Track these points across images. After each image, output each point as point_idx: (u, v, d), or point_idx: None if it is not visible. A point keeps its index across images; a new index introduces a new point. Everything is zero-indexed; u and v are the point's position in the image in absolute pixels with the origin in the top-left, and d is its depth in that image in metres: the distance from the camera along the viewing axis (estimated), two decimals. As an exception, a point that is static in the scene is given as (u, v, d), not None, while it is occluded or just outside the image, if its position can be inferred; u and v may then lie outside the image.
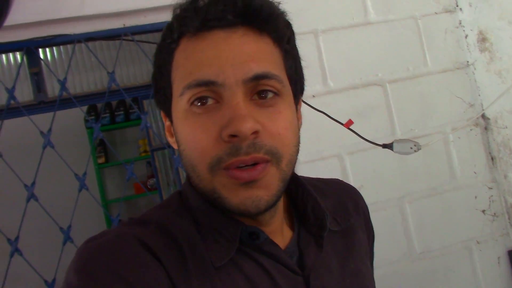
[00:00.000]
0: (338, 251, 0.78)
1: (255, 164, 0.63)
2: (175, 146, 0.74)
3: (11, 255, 1.51)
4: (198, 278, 0.64)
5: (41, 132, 1.57)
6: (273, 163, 0.64)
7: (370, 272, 0.85)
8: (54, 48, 1.72)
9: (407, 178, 1.73)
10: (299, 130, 0.72)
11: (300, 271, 0.71)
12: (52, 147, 1.55)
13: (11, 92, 1.54)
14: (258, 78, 0.64)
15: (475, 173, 1.78)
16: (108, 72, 1.61)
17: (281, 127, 0.66)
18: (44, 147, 1.55)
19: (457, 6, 1.82)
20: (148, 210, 0.74)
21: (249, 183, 0.63)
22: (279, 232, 0.74)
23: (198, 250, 0.66)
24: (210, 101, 0.65)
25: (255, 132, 0.63)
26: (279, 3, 0.70)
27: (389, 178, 1.71)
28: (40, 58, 1.63)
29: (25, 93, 1.66)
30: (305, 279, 0.71)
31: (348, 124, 1.47)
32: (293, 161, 0.69)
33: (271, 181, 0.65)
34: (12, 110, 1.57)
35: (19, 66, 1.58)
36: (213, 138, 0.63)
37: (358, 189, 1.66)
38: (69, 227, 1.57)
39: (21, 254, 1.52)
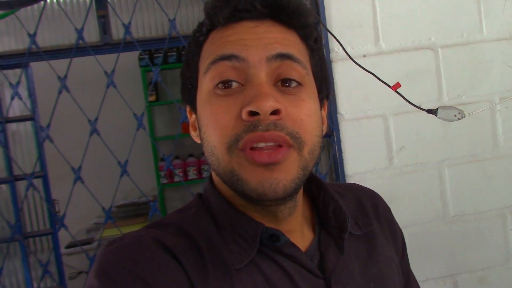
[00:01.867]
0: (359, 255, 0.77)
1: (277, 146, 0.62)
2: (197, 140, 0.74)
3: (74, 182, 1.67)
4: (217, 279, 0.64)
5: (105, 72, 1.68)
6: (295, 148, 0.63)
7: (396, 277, 0.81)
8: (121, -8, 1.81)
9: (449, 143, 1.77)
10: (322, 129, 0.71)
11: (321, 274, 0.70)
12: (115, 87, 1.67)
13: (80, 32, 1.66)
14: (282, 57, 0.65)
15: (518, 144, 1.80)
16: (169, 20, 1.69)
17: (304, 113, 0.65)
18: (108, 86, 1.67)
19: (521, -27, 1.79)
20: (168, 214, 0.74)
21: (268, 165, 0.62)
22: (299, 232, 0.74)
23: (217, 251, 0.66)
24: (234, 85, 0.65)
25: (277, 113, 0.62)
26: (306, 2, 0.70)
27: (431, 141, 1.75)
28: (107, 1, 1.72)
29: (92, 34, 1.76)
30: (326, 282, 0.70)
31: (395, 87, 1.50)
32: (316, 152, 0.67)
33: (291, 166, 0.63)
34: (80, 49, 1.68)
35: (88, 9, 1.68)
36: (233, 117, 0.63)
37: (399, 150, 1.72)
38: (126, 161, 1.71)
39: (82, 182, 1.67)
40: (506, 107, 1.79)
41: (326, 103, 0.78)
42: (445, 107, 1.45)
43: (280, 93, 0.64)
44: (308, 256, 0.72)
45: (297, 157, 0.64)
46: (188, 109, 0.77)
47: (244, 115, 0.61)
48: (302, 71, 0.66)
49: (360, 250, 0.78)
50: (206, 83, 0.67)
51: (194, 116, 0.75)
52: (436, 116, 1.46)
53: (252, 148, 0.62)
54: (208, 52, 0.69)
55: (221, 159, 0.64)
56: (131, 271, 0.60)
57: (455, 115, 1.41)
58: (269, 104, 0.60)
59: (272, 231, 0.68)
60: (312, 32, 0.71)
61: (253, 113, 0.61)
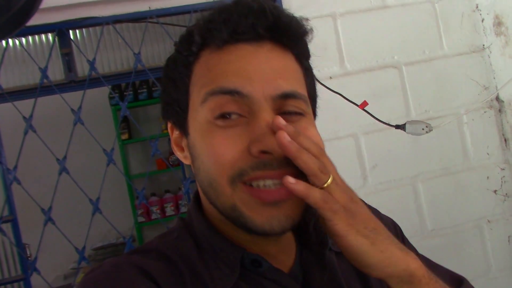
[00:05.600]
0: (344, 270, 0.74)
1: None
2: (186, 161, 0.71)
3: (45, 224, 1.62)
4: None
5: (72, 110, 1.66)
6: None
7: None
8: (84, 29, 1.80)
9: (421, 158, 1.78)
10: None
11: None
12: (82, 123, 1.65)
13: (44, 71, 1.64)
14: (287, 96, 0.63)
15: (488, 154, 1.83)
16: (134, 53, 1.69)
17: None
18: (75, 124, 1.64)
19: (475, -11, 1.85)
20: (149, 240, 0.72)
21: (277, 203, 0.61)
22: (284, 252, 0.72)
23: (199, 276, 0.64)
24: (234, 116, 0.62)
25: None
26: (306, 19, 0.68)
27: (403, 158, 1.77)
28: (71, 39, 1.71)
29: (56, 73, 1.74)
30: None
31: (363, 105, 1.52)
32: None
33: (299, 200, 0.60)
34: (45, 89, 1.66)
35: (51, 47, 1.67)
36: (239, 150, 0.60)
37: (372, 168, 1.72)
38: (98, 199, 1.67)
39: (54, 223, 1.62)
40: (473, 119, 1.82)
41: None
42: (412, 122, 1.48)
43: None
44: (292, 276, 0.69)
45: None
46: (169, 125, 0.74)
47: (256, 153, 0.59)
48: (304, 106, 0.65)
49: (344, 265, 0.75)
50: (204, 113, 0.64)
51: (177, 132, 0.72)
52: (405, 131, 1.49)
53: (257, 186, 0.60)
54: (204, 78, 0.65)
55: (221, 192, 0.62)
56: None
57: (423, 129, 1.44)
58: None
59: (254, 256, 0.66)
60: (306, 50, 0.70)
61: (264, 151, 0.59)
